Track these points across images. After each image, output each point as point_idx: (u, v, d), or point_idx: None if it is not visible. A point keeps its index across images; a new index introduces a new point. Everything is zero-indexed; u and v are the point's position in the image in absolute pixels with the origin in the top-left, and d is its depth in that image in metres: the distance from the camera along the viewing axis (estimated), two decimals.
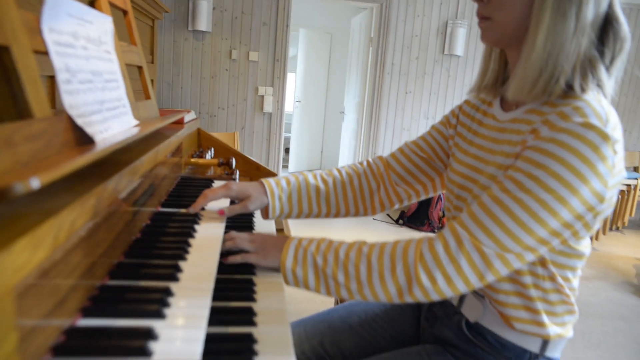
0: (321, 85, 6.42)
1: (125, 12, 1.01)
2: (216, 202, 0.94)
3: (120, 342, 0.42)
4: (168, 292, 0.52)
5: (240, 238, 0.81)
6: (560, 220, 0.65)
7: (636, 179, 4.38)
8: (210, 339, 0.52)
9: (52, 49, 0.56)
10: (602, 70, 0.68)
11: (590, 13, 0.67)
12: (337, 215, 1.00)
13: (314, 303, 2.47)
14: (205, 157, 1.23)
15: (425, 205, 4.14)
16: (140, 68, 1.03)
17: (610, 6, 0.69)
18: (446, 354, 0.81)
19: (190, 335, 0.45)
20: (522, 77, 0.70)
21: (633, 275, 3.49)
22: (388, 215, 4.43)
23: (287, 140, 6.56)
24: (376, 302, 1.01)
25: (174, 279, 0.56)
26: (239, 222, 1.01)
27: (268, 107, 4.24)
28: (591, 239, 3.56)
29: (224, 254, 0.79)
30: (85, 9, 0.69)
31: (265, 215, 0.95)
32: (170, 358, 0.41)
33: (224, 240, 0.80)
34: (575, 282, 0.78)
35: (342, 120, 5.37)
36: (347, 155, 5.09)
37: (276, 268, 0.78)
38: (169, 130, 1.05)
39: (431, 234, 0.75)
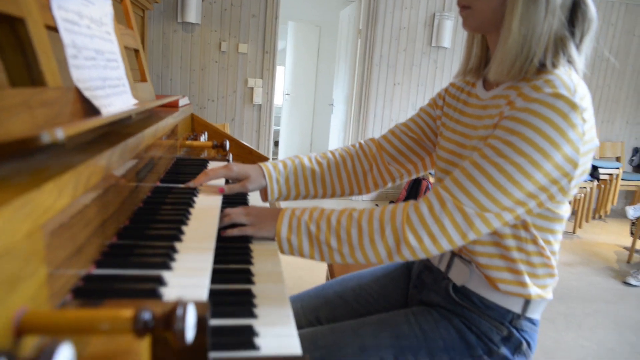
0: (310, 77, 6.45)
1: None
2: (215, 182, 0.98)
3: (134, 285, 0.46)
4: (173, 249, 0.56)
5: (236, 213, 0.85)
6: (535, 184, 0.70)
7: (618, 168, 4.49)
8: (212, 294, 0.57)
9: (61, 25, 0.60)
10: (572, 48, 0.74)
11: None
12: (332, 195, 1.05)
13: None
14: (199, 140, 1.27)
15: (414, 194, 4.21)
16: (137, 51, 1.06)
17: None
18: (432, 313, 0.87)
19: (196, 282, 0.49)
20: (501, 60, 0.76)
21: (614, 260, 3.59)
22: (376, 205, 4.50)
23: (277, 133, 6.58)
24: (368, 272, 1.06)
25: (178, 239, 0.61)
26: (234, 200, 1.05)
27: (257, 98, 4.27)
28: (574, 226, 3.66)
29: (222, 229, 0.83)
30: None
31: (265, 197, 1.00)
32: (186, 285, 0.45)
33: (221, 217, 0.84)
34: (556, 246, 0.83)
35: (331, 112, 5.41)
36: (336, 147, 5.14)
37: (272, 238, 0.83)
38: (165, 113, 1.08)
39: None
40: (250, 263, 0.71)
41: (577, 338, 2.36)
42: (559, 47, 0.74)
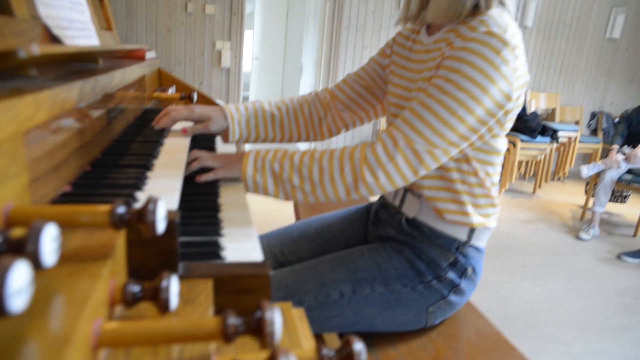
0: (279, 41, 6.37)
1: None
2: (180, 124, 1.01)
3: (112, 196, 0.50)
4: (144, 175, 0.61)
5: (204, 157, 0.89)
6: (476, 117, 0.78)
7: (576, 131, 4.68)
8: (183, 219, 0.61)
9: None
10: None
11: None
12: (290, 140, 1.10)
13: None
14: (167, 93, 1.29)
15: None
16: (101, 0, 1.06)
17: None
18: (385, 247, 0.94)
19: (167, 198, 0.54)
20: (437, 2, 0.82)
21: (569, 218, 3.81)
22: None
23: (246, 99, 6.52)
24: (331, 214, 1.12)
25: (149, 169, 0.65)
26: (203, 147, 1.09)
27: (226, 62, 4.22)
28: (534, 187, 3.83)
29: (194, 174, 0.86)
30: None
31: (226, 138, 1.03)
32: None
33: (189, 162, 0.88)
34: (495, 178, 0.92)
35: (300, 76, 5.39)
36: None
37: (238, 177, 0.87)
38: (132, 62, 1.10)
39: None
40: (217, 196, 0.76)
41: (531, 286, 2.53)
42: None
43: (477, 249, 0.94)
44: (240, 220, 0.67)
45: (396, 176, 0.80)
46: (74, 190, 0.54)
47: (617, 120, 3.78)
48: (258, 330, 0.35)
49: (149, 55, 1.29)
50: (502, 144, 0.90)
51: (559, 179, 5.12)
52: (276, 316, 0.36)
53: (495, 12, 0.80)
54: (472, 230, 0.91)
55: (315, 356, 0.39)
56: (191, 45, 4.13)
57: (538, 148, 4.25)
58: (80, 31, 0.79)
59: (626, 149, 3.44)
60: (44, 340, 0.28)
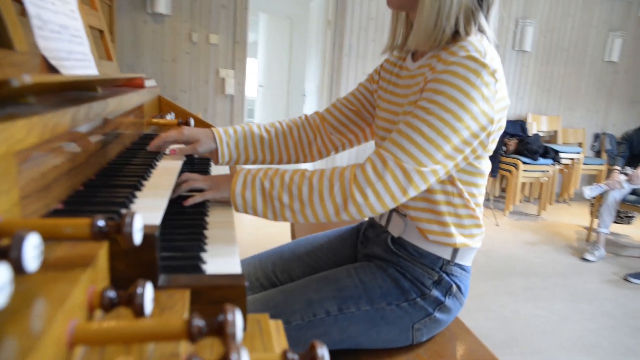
0: (283, 69, 6.51)
1: None
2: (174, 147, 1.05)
3: (100, 213, 0.54)
4: (133, 195, 0.64)
5: (193, 178, 0.92)
6: (460, 136, 0.80)
7: (579, 153, 4.70)
8: (168, 236, 0.65)
9: (27, 1, 0.67)
10: (481, 18, 0.85)
11: None
12: (280, 162, 1.13)
13: None
14: (165, 119, 1.34)
15: None
16: (101, 32, 1.12)
17: None
18: (370, 266, 0.96)
19: (151, 216, 0.57)
20: (417, 31, 0.87)
21: (574, 239, 3.79)
22: None
23: None
24: (322, 234, 1.15)
25: (138, 189, 0.68)
26: (197, 170, 1.13)
27: (230, 89, 4.32)
28: (538, 209, 3.82)
29: (182, 198, 0.89)
30: None
31: (216, 160, 1.07)
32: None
33: (179, 184, 0.90)
34: (480, 199, 0.94)
35: (304, 102, 5.49)
36: None
37: (227, 197, 0.89)
38: (130, 90, 1.15)
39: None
40: (205, 214, 0.80)
41: (534, 308, 2.51)
42: (470, 18, 0.85)
43: (461, 267, 0.96)
44: (224, 238, 0.70)
45: (385, 195, 0.81)
46: (65, 207, 0.57)
47: (618, 141, 3.80)
48: (220, 331, 0.38)
49: (148, 83, 1.35)
50: (485, 165, 0.92)
51: (564, 200, 5.11)
52: (237, 319, 0.39)
53: (474, 39, 0.84)
54: (455, 250, 0.93)
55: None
56: (196, 73, 4.24)
57: (541, 170, 4.27)
58: (78, 62, 0.84)
59: (628, 169, 3.45)
60: (20, 334, 0.31)
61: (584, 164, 4.82)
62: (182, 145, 1.04)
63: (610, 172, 3.56)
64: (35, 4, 0.70)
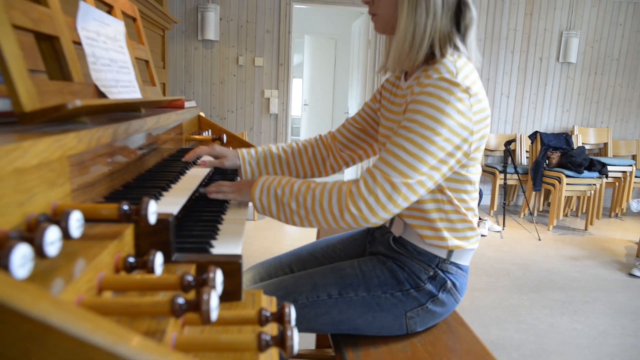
0: (327, 88, 6.72)
1: (134, 19, 1.31)
2: (205, 159, 1.23)
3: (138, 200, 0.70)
4: (160, 193, 0.80)
5: (222, 184, 1.08)
6: (442, 150, 0.90)
7: (630, 165, 4.53)
8: (189, 226, 0.80)
9: (84, 41, 0.85)
10: (457, 40, 0.95)
11: (439, 2, 0.93)
12: (297, 177, 1.28)
13: None
14: (202, 135, 1.52)
15: None
16: (147, 62, 1.32)
17: None
18: (372, 259, 1.07)
19: (171, 209, 0.72)
20: (394, 53, 0.98)
21: (623, 255, 3.65)
22: None
23: None
24: (336, 236, 1.27)
25: (166, 190, 0.84)
26: (226, 178, 1.29)
27: (274, 108, 4.55)
28: (585, 224, 3.73)
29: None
30: (105, 15, 0.99)
31: (240, 176, 1.23)
32: (165, 210, 0.68)
33: (211, 189, 1.06)
34: (472, 204, 1.03)
35: None
36: None
37: (248, 200, 1.04)
38: (171, 110, 1.34)
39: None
40: (223, 213, 0.95)
41: (571, 322, 2.47)
42: (445, 40, 0.95)
43: (458, 266, 1.04)
44: (234, 231, 0.84)
45: (377, 207, 0.90)
46: (105, 201, 0.74)
47: None
48: (205, 284, 0.51)
49: (188, 104, 1.54)
50: (473, 173, 1.01)
51: (616, 215, 4.91)
52: (217, 275, 0.53)
53: (448, 60, 0.93)
54: (450, 251, 1.02)
55: (256, 315, 0.55)
56: (242, 94, 4.51)
57: (586, 183, 4.15)
58: (125, 88, 1.03)
59: None
60: (64, 275, 0.46)
61: (637, 177, 4.63)
62: (212, 159, 1.21)
63: None
64: (90, 44, 0.88)
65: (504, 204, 4.16)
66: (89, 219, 0.57)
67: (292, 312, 0.56)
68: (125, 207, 0.58)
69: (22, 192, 0.50)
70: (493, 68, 4.86)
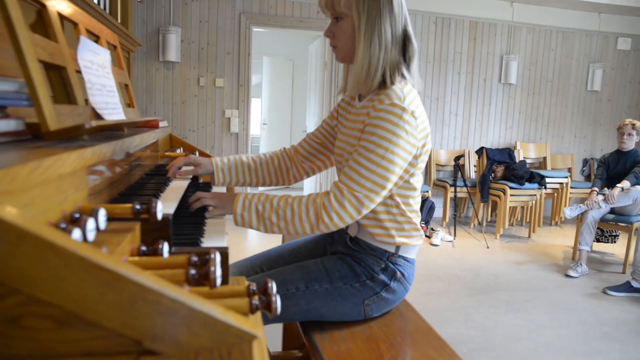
0: (285, 108, 6.91)
1: (115, 47, 1.44)
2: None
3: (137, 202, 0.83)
4: (155, 197, 0.94)
5: (204, 197, 1.21)
6: (394, 164, 1.08)
7: (566, 177, 4.95)
8: (180, 230, 0.94)
9: (83, 69, 0.99)
10: (404, 69, 1.15)
11: (389, 38, 1.12)
12: (263, 184, 1.43)
13: None
14: (175, 152, 1.65)
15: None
16: (127, 85, 1.45)
17: (405, 29, 1.16)
18: (333, 257, 1.24)
19: (166, 209, 0.86)
20: (353, 79, 1.17)
21: (561, 258, 3.99)
22: None
23: None
24: (301, 239, 1.43)
25: (157, 196, 0.98)
26: (204, 189, 1.43)
27: (234, 127, 4.68)
28: (529, 232, 4.02)
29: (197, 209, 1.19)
30: (96, 46, 1.12)
31: (213, 182, 1.37)
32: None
33: (192, 201, 1.20)
34: (416, 207, 1.22)
35: None
36: None
37: (230, 213, 1.18)
38: (148, 130, 1.47)
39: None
40: (205, 217, 1.09)
41: (514, 318, 2.72)
42: (395, 69, 1.15)
43: (405, 259, 1.23)
44: (216, 231, 0.99)
45: (345, 216, 1.09)
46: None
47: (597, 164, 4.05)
48: (206, 263, 0.66)
49: (162, 124, 1.67)
50: (417, 181, 1.21)
51: (555, 223, 5.31)
52: (217, 255, 0.68)
53: (397, 87, 1.13)
54: (397, 247, 1.21)
55: (245, 289, 0.70)
56: (203, 114, 4.62)
57: (528, 194, 4.51)
58: (113, 110, 1.16)
59: (606, 190, 3.69)
60: (97, 256, 0.59)
61: (573, 187, 5.05)
62: (187, 168, 1.34)
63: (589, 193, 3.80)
64: (87, 71, 1.02)
65: (454, 215, 4.45)
66: (108, 217, 0.71)
67: (273, 286, 0.72)
68: (138, 207, 0.72)
69: (61, 194, 0.64)
70: (442, 88, 5.21)
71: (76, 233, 0.55)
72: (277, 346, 2.15)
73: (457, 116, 5.30)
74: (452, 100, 5.26)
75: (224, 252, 0.80)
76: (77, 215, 0.65)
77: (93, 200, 0.79)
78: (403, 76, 1.16)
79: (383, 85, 1.15)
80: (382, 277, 1.19)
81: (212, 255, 0.68)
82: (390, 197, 1.18)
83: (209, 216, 1.14)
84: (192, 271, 0.61)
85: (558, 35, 5.42)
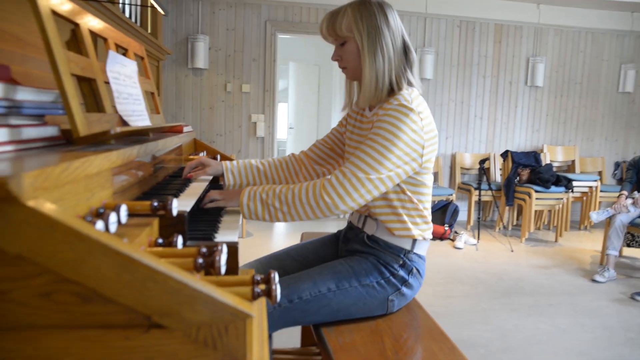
0: (312, 112, 7.01)
1: (142, 58, 1.55)
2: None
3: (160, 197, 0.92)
4: (175, 196, 1.03)
5: (213, 193, 1.30)
6: (398, 157, 1.15)
7: (595, 181, 4.85)
8: (197, 225, 1.02)
9: (111, 80, 1.09)
10: (409, 75, 1.22)
11: (391, 50, 1.20)
12: None
13: None
14: (198, 155, 1.75)
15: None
16: (152, 94, 1.56)
17: (403, 39, 1.23)
18: (356, 257, 1.30)
19: (183, 206, 0.95)
20: (363, 94, 1.24)
21: (588, 263, 3.92)
22: None
23: None
24: (308, 241, 1.50)
25: (177, 196, 1.07)
26: (216, 187, 1.52)
27: (260, 132, 4.80)
28: (556, 236, 3.98)
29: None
30: (124, 58, 1.23)
31: (222, 183, 1.46)
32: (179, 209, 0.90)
33: (206, 201, 1.29)
34: (427, 204, 1.28)
35: None
36: None
37: (237, 207, 1.26)
38: (172, 135, 1.57)
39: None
40: (221, 216, 1.17)
41: (535, 322, 2.71)
42: (400, 77, 1.22)
43: (418, 255, 1.29)
44: (230, 228, 1.07)
45: (345, 196, 1.15)
46: None
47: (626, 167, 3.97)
48: (214, 252, 0.74)
49: (186, 129, 1.78)
50: (427, 179, 1.27)
51: (585, 228, 5.20)
52: (224, 248, 0.76)
53: (405, 92, 1.21)
54: (414, 241, 1.27)
55: (250, 279, 0.77)
56: (230, 119, 4.76)
57: (554, 198, 4.45)
58: (138, 116, 1.26)
59: (636, 194, 3.61)
60: (114, 243, 0.68)
61: (603, 191, 4.94)
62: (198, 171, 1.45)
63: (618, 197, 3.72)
64: (114, 82, 1.12)
65: (479, 218, 4.43)
66: (129, 213, 0.79)
67: (276, 277, 0.79)
68: (155, 204, 0.80)
69: (88, 191, 0.73)
70: (467, 92, 5.19)
71: (99, 224, 0.63)
72: (296, 342, 2.22)
73: (482, 119, 5.27)
74: (476, 104, 5.23)
75: (233, 246, 0.88)
76: (101, 210, 0.74)
77: (118, 198, 0.89)
78: (409, 82, 1.23)
79: (391, 92, 1.22)
80: (402, 272, 1.26)
81: (219, 247, 0.76)
82: (402, 191, 1.24)
83: (223, 213, 1.23)
84: (200, 260, 0.69)
85: (587, 36, 5.32)
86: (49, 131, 0.92)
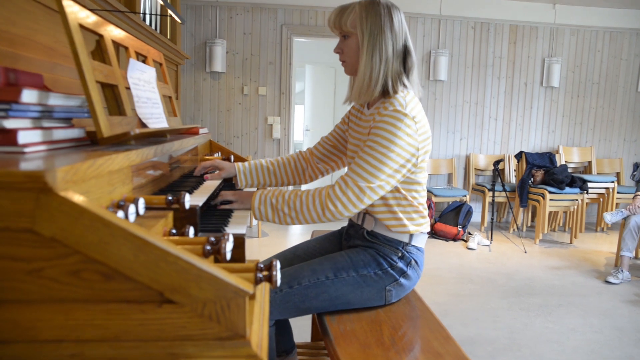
0: (328, 114, 7.09)
1: (160, 64, 1.65)
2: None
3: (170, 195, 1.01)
4: (189, 193, 1.12)
5: (227, 194, 1.39)
6: (395, 163, 1.22)
7: (612, 182, 4.81)
8: (211, 218, 1.11)
9: (131, 86, 1.19)
10: (404, 79, 1.28)
11: (390, 52, 1.26)
12: (282, 184, 1.60)
13: None
14: (212, 156, 1.84)
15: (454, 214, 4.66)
16: (170, 97, 1.66)
17: (405, 43, 1.29)
18: (356, 249, 1.38)
19: (196, 202, 1.04)
20: (356, 87, 1.31)
21: (602, 264, 3.90)
22: None
23: None
24: (314, 238, 1.58)
25: (191, 193, 1.16)
26: (228, 187, 1.61)
27: (276, 133, 4.90)
28: (570, 238, 3.97)
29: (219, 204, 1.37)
30: (143, 65, 1.32)
31: (236, 185, 1.55)
32: (193, 203, 0.99)
33: (218, 196, 1.38)
34: (422, 200, 1.35)
35: None
36: None
37: (249, 208, 1.35)
38: (188, 136, 1.67)
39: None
40: (231, 211, 1.26)
41: (544, 322, 2.73)
42: (396, 79, 1.28)
43: (417, 248, 1.36)
44: (239, 222, 1.16)
45: (349, 204, 1.23)
46: None
47: None
48: (220, 241, 0.83)
49: (202, 131, 1.87)
50: (421, 177, 1.33)
51: (602, 229, 5.16)
52: (230, 237, 0.84)
53: (400, 95, 1.27)
54: (411, 236, 1.34)
55: (254, 266, 0.86)
56: (247, 121, 4.87)
57: (569, 199, 4.43)
58: (157, 119, 1.36)
59: None
60: (132, 228, 0.77)
61: (620, 192, 4.89)
62: (213, 172, 1.54)
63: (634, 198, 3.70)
64: (135, 88, 1.22)
65: (492, 219, 4.44)
66: (146, 206, 0.89)
67: (277, 264, 0.87)
68: (170, 198, 0.89)
69: (110, 186, 0.82)
70: (481, 93, 5.21)
71: (120, 214, 0.72)
72: (306, 337, 2.30)
73: (496, 120, 5.28)
74: (491, 105, 5.24)
75: (239, 237, 0.96)
76: (122, 202, 0.83)
77: (137, 193, 0.98)
78: (405, 85, 1.29)
79: (387, 94, 1.29)
80: (400, 264, 1.32)
81: (226, 237, 0.84)
82: (397, 190, 1.31)
83: (234, 210, 1.32)
84: (208, 247, 0.77)
85: (605, 36, 5.28)
86: (76, 133, 1.02)
